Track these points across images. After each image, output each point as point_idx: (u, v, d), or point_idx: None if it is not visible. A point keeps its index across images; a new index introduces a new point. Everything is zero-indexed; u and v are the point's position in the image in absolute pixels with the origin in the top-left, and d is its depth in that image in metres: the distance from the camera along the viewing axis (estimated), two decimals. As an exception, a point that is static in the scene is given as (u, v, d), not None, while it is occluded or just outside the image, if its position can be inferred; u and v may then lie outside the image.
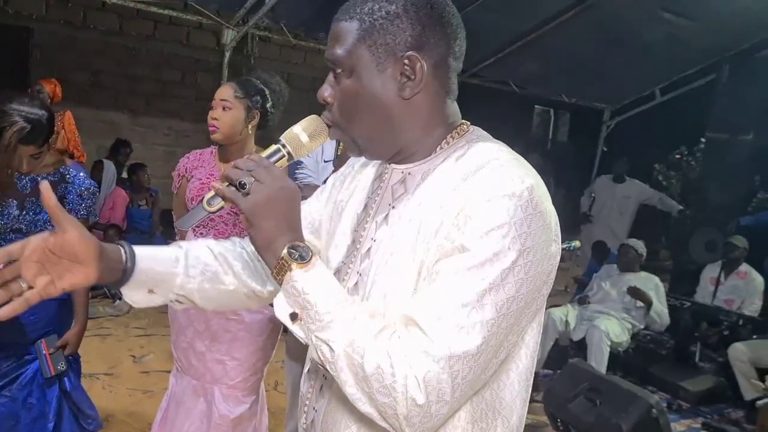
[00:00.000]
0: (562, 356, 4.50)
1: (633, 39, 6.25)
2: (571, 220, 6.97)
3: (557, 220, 0.93)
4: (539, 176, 0.93)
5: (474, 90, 6.97)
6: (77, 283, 0.93)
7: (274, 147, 1.00)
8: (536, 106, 10.36)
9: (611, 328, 4.43)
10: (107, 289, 5.42)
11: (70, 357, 2.28)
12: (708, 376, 4.66)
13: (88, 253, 0.92)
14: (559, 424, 3.48)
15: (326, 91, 1.00)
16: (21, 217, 2.15)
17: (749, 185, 6.64)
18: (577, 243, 5.04)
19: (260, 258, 0.94)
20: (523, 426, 1.01)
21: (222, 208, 0.97)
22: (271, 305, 0.96)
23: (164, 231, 6.24)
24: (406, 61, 0.95)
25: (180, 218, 2.68)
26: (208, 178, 2.43)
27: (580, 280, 6.26)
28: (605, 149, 8.44)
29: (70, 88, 5.66)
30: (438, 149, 1.00)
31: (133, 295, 1.04)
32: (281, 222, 0.91)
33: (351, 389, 0.86)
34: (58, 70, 5.90)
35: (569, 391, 3.37)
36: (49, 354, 2.18)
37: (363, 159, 1.13)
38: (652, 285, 4.71)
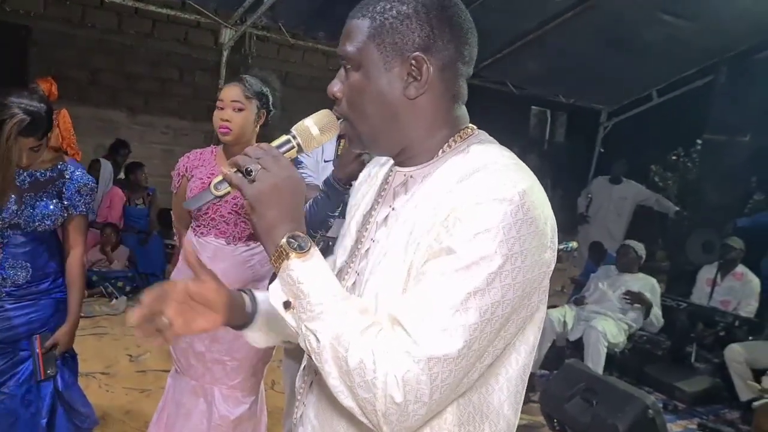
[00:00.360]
0: (558, 356, 4.49)
1: (631, 40, 6.24)
2: (568, 221, 6.97)
3: (554, 225, 0.92)
4: (538, 181, 0.92)
5: (472, 90, 6.90)
6: (206, 328, 1.02)
7: (284, 138, 1.01)
8: (533, 106, 10.36)
9: (608, 329, 4.43)
10: (103, 288, 5.42)
11: (66, 355, 2.28)
12: (704, 377, 4.67)
13: (221, 302, 1.01)
14: (556, 424, 3.48)
15: (335, 86, 1.01)
16: (19, 212, 2.14)
17: (746, 187, 6.64)
18: (574, 244, 5.03)
19: (263, 245, 0.96)
20: (514, 431, 1.00)
21: (228, 193, 0.98)
22: None
23: (161, 230, 6.24)
24: (412, 62, 0.96)
25: (181, 212, 2.70)
26: (208, 177, 2.43)
27: (576, 281, 6.26)
28: (602, 150, 8.43)
29: (68, 86, 5.63)
30: (440, 152, 1.01)
31: (254, 336, 1.12)
32: (284, 211, 0.92)
33: (334, 381, 0.87)
34: (56, 68, 5.88)
35: (566, 391, 3.37)
36: (42, 353, 2.17)
37: (382, 159, 1.14)
38: (649, 286, 4.71)
